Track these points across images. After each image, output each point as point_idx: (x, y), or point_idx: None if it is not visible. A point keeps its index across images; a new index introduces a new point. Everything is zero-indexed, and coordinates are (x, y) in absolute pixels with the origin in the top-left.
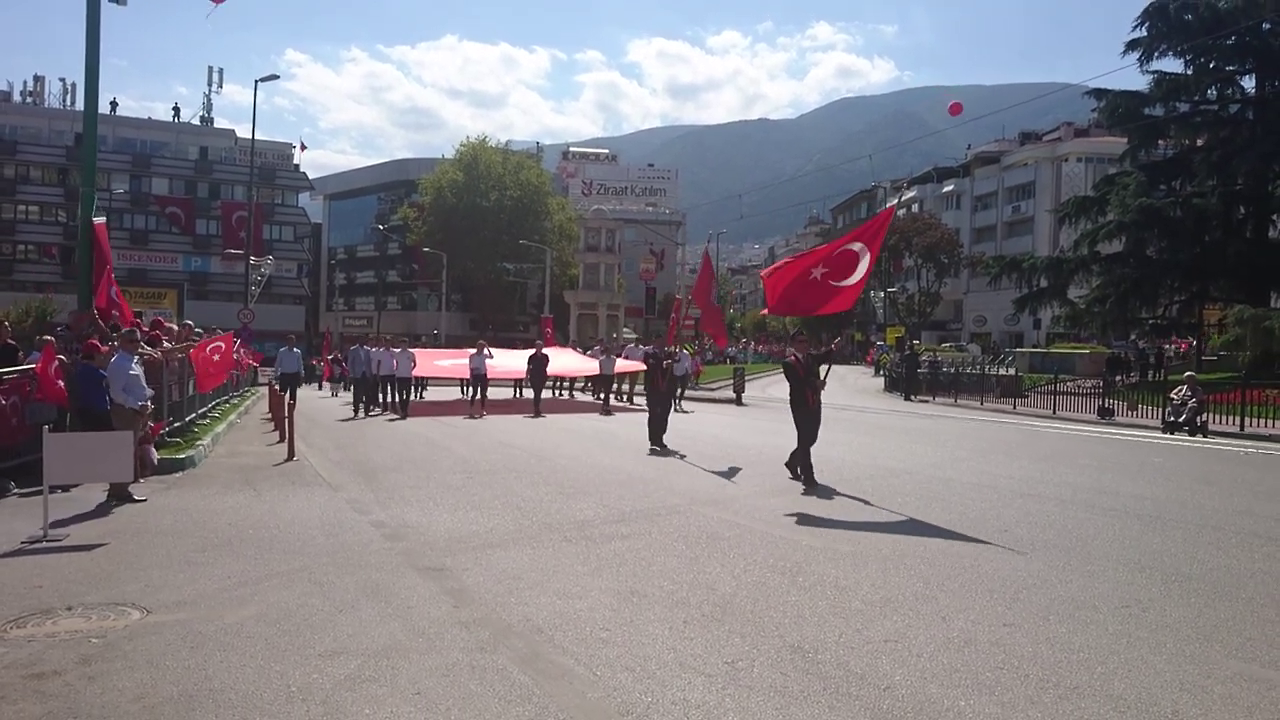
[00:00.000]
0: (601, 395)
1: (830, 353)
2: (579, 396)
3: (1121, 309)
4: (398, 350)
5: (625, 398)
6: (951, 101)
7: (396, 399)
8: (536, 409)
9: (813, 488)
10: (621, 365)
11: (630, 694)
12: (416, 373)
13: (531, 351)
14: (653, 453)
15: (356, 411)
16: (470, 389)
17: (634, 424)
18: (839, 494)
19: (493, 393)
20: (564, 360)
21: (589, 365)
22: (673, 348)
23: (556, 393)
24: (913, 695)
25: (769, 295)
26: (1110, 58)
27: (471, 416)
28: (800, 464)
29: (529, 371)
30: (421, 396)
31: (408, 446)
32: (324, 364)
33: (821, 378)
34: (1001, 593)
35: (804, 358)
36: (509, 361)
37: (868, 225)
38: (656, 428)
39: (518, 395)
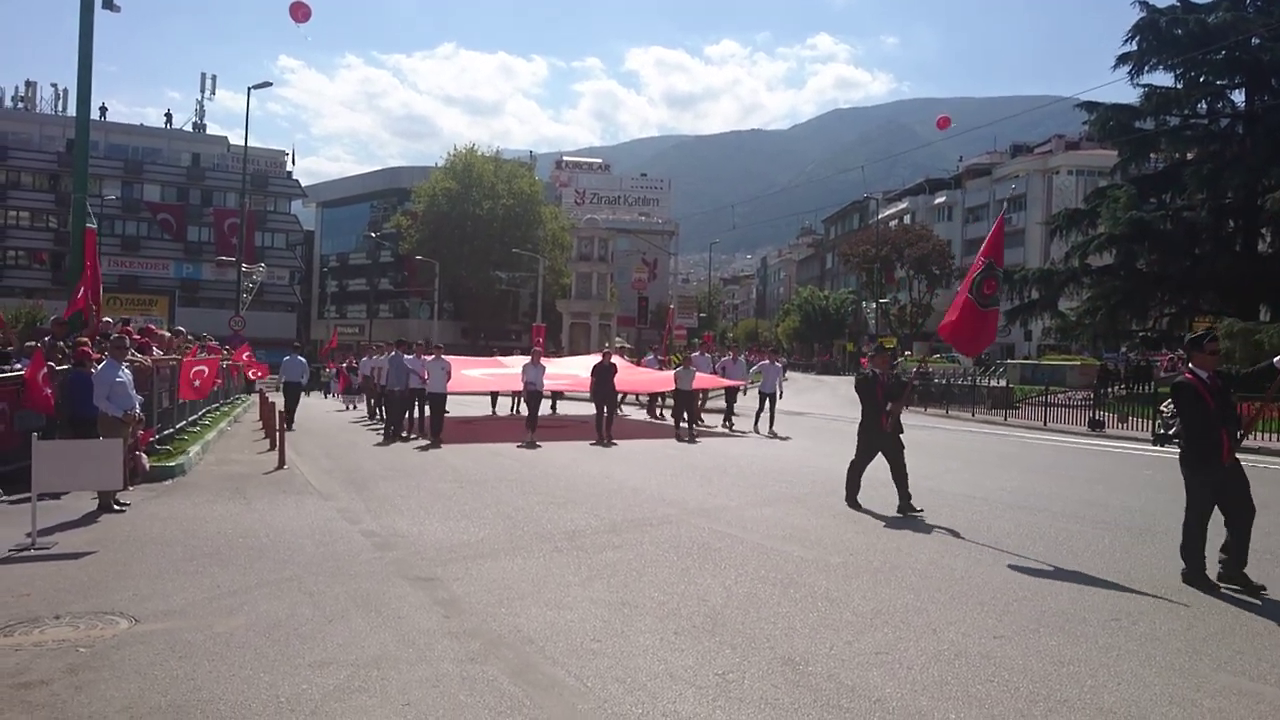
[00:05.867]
0: (662, 414)
1: None
2: (628, 412)
3: (1112, 321)
4: (430, 358)
5: (697, 418)
6: (940, 115)
7: (425, 419)
8: (602, 434)
9: None
10: (702, 379)
11: (621, 705)
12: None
13: (597, 359)
14: (852, 506)
15: (389, 436)
16: (516, 405)
17: (698, 450)
18: (830, 505)
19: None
20: (627, 372)
21: (661, 379)
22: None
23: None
24: (903, 708)
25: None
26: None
27: (525, 445)
28: None
29: (593, 385)
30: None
31: (399, 455)
32: (339, 372)
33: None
34: (992, 605)
35: (1210, 377)
36: (566, 371)
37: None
38: (856, 476)
39: (553, 410)
